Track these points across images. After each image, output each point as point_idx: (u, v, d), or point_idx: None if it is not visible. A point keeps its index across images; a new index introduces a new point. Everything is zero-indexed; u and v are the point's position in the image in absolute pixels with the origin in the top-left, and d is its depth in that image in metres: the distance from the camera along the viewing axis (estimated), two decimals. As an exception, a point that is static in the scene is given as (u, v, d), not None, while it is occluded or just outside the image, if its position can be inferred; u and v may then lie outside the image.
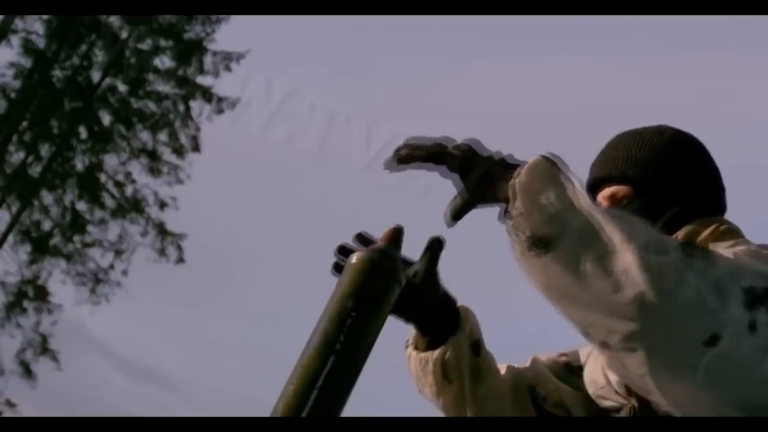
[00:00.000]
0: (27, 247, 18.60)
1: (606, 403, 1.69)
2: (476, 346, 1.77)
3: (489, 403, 1.77)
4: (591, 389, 1.72)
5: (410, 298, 1.64)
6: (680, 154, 1.77)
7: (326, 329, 1.31)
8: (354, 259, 1.37)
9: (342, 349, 1.29)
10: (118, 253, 18.91)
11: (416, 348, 1.76)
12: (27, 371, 18.10)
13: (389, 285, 1.37)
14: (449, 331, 1.75)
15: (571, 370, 1.82)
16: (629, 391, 1.62)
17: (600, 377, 1.69)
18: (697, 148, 1.80)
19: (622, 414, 1.64)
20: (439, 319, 1.74)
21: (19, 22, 18.35)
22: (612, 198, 1.76)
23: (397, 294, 1.39)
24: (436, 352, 1.74)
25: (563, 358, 1.84)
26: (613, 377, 1.65)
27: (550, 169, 1.42)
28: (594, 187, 1.80)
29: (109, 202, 19.03)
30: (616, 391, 1.65)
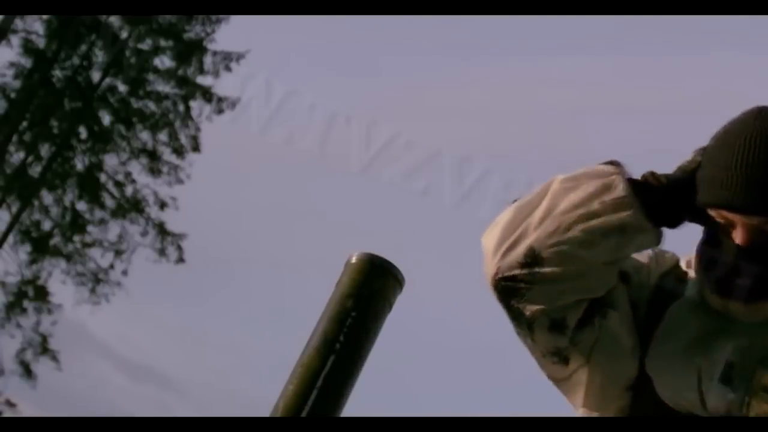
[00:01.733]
0: (27, 247, 18.61)
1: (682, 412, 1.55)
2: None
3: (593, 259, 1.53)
4: (670, 396, 1.56)
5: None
6: None
7: (326, 329, 1.31)
8: (354, 259, 1.37)
9: (342, 349, 1.29)
10: (118, 253, 18.92)
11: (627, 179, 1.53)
12: (27, 371, 18.11)
13: (389, 285, 1.37)
14: (660, 220, 1.55)
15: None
16: None
17: (693, 395, 1.54)
18: None
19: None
20: (672, 208, 1.55)
21: (19, 22, 18.35)
22: (762, 232, 1.49)
23: (398, 294, 1.39)
24: (631, 198, 1.52)
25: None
26: (717, 405, 1.51)
27: None
28: (727, 206, 1.50)
29: (109, 202, 19.03)
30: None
